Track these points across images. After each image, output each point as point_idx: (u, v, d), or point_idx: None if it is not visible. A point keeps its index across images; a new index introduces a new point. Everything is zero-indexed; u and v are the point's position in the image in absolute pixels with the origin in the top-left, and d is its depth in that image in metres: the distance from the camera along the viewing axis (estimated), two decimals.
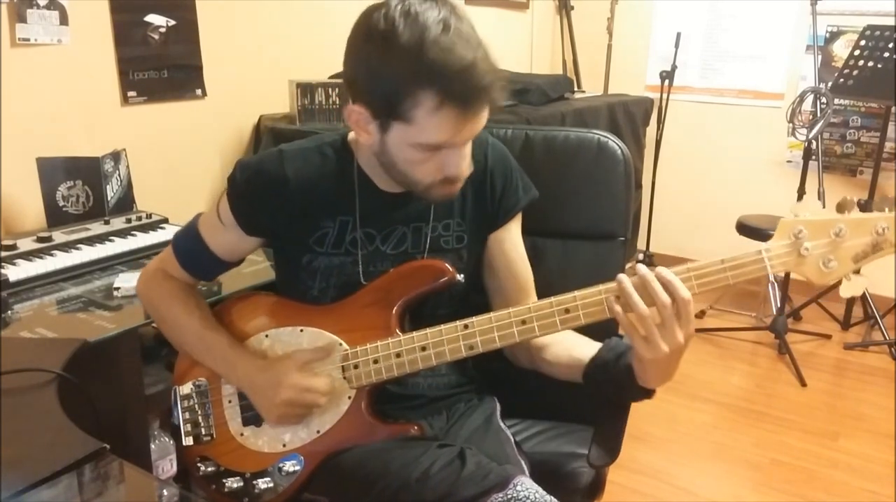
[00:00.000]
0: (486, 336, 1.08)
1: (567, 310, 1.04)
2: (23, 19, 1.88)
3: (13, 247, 1.69)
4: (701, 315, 3.53)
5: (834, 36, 3.58)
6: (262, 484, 1.17)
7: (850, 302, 3.50)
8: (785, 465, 2.44)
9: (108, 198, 1.99)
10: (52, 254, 1.70)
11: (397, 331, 1.15)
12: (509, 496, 1.00)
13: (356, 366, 1.15)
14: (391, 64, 0.99)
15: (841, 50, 3.53)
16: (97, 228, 1.86)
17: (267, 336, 1.22)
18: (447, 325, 1.09)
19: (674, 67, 3.70)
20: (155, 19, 2.20)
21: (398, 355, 1.12)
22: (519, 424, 1.39)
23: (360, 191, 1.19)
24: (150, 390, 1.57)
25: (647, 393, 1.11)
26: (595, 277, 1.05)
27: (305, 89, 2.45)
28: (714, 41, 3.89)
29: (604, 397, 1.17)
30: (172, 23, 2.24)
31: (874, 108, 3.51)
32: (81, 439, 0.92)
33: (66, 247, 1.75)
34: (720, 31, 3.86)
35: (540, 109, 2.93)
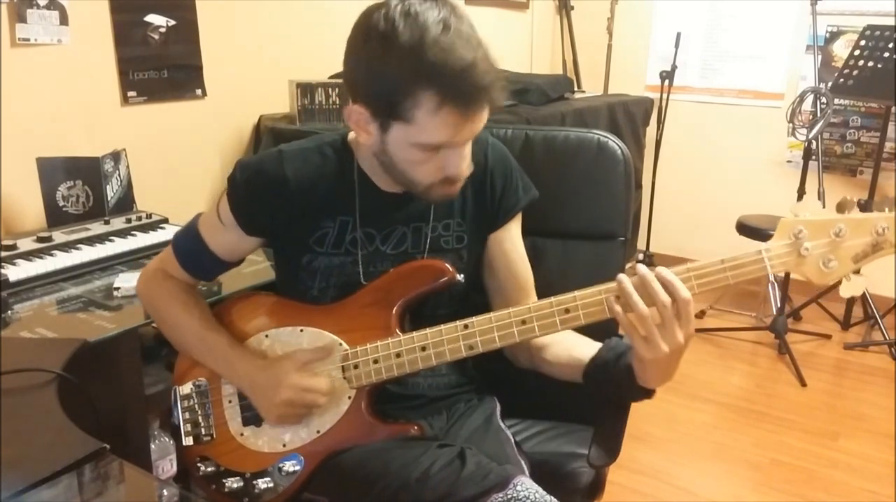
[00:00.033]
0: (486, 336, 1.08)
1: (567, 310, 1.04)
2: (23, 19, 1.88)
3: (13, 247, 1.69)
4: (701, 315, 3.53)
5: (834, 36, 3.58)
6: (263, 484, 1.17)
7: (850, 302, 3.50)
8: (785, 465, 2.44)
9: (108, 198, 1.99)
10: (52, 254, 1.70)
11: (397, 331, 1.15)
12: (509, 496, 1.00)
13: (356, 366, 1.15)
14: (391, 64, 0.99)
15: (841, 50, 3.53)
16: (97, 228, 1.86)
17: (267, 336, 1.22)
18: (447, 325, 1.09)
19: (674, 67, 3.70)
20: (155, 19, 2.20)
21: (398, 355, 1.12)
22: (519, 424, 1.39)
23: (360, 191, 1.19)
24: (150, 390, 1.57)
25: (647, 393, 1.11)
26: (595, 277, 1.05)
27: (305, 89, 2.45)
28: (714, 41, 3.89)
29: (604, 397, 1.17)
30: (172, 23, 2.24)
31: (874, 108, 3.51)
32: (81, 439, 0.92)
33: (66, 247, 1.75)
34: (720, 31, 3.86)
35: (540, 109, 2.93)
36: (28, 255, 1.68)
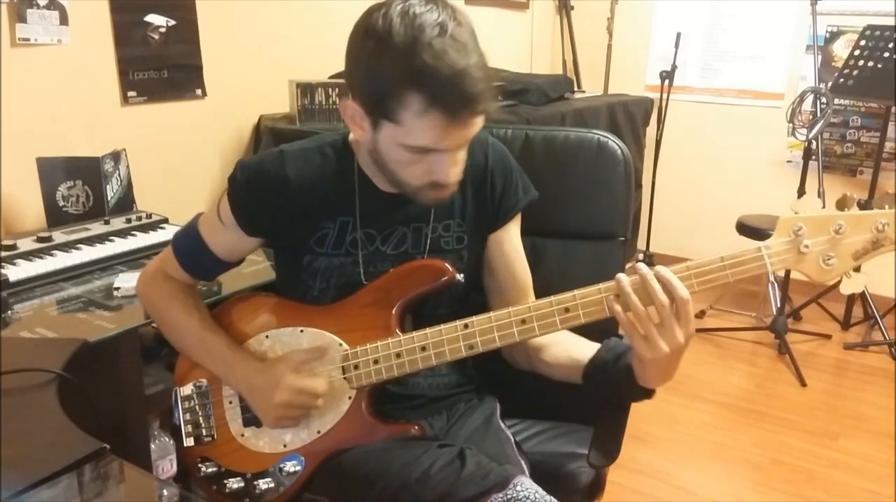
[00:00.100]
0: (485, 336, 1.08)
1: (567, 310, 1.04)
2: (23, 19, 1.88)
3: (13, 247, 1.69)
4: (701, 315, 3.53)
5: (834, 36, 3.58)
6: (263, 484, 1.17)
7: (850, 302, 3.50)
8: (785, 465, 2.44)
9: (108, 198, 1.99)
10: (52, 254, 1.70)
11: (397, 331, 1.15)
12: (509, 496, 1.00)
13: (356, 367, 1.15)
14: (383, 63, 0.99)
15: (841, 50, 3.53)
16: (97, 228, 1.86)
17: (267, 336, 1.22)
18: (447, 325, 1.09)
19: (674, 67, 3.70)
20: (155, 19, 2.20)
21: (398, 355, 1.12)
22: (519, 424, 1.39)
23: (361, 192, 1.19)
24: (150, 390, 1.57)
25: (648, 394, 1.11)
26: (595, 277, 1.05)
27: (305, 89, 2.45)
28: (714, 41, 3.89)
29: (603, 397, 1.17)
30: (172, 23, 2.24)
31: (874, 108, 3.51)
32: (81, 439, 0.92)
33: (66, 247, 1.75)
34: (720, 31, 3.86)
35: (540, 109, 2.93)
36: (28, 255, 1.68)
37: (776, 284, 3.40)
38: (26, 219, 1.97)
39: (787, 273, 3.14)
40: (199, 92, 2.37)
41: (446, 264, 1.16)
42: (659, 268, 0.99)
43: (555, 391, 1.24)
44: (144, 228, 1.91)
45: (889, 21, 3.21)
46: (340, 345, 1.17)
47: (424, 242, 1.21)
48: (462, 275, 1.18)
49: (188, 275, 1.26)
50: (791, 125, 3.32)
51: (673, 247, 3.91)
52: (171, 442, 1.75)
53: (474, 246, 1.26)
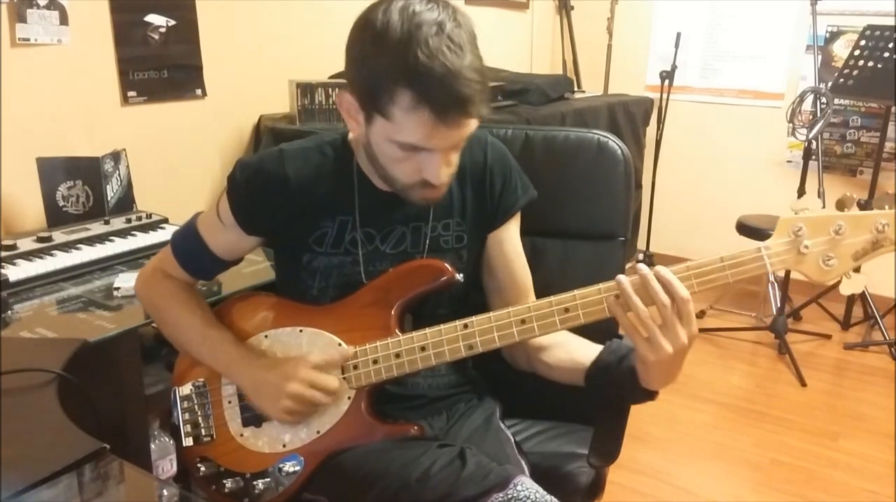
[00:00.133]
0: (485, 336, 1.08)
1: (567, 310, 1.04)
2: (23, 19, 1.88)
3: (13, 247, 1.69)
4: (701, 315, 3.53)
5: (834, 36, 3.58)
6: (263, 484, 1.17)
7: (850, 302, 3.50)
8: (785, 465, 2.44)
9: (108, 198, 1.99)
10: (52, 254, 1.70)
11: (397, 331, 1.15)
12: (509, 496, 1.00)
13: (356, 367, 1.15)
14: (377, 58, 0.99)
15: (841, 50, 3.53)
16: (97, 228, 1.86)
17: (266, 336, 1.22)
18: (447, 325, 1.09)
19: (674, 67, 3.70)
20: (155, 19, 2.20)
21: (398, 355, 1.12)
22: (519, 424, 1.39)
23: (360, 191, 1.19)
24: (150, 390, 1.57)
25: (650, 395, 1.11)
26: (595, 277, 1.05)
27: (305, 89, 2.45)
28: (714, 41, 3.89)
29: (606, 400, 1.17)
30: (172, 23, 2.24)
31: (874, 108, 3.51)
32: (81, 439, 0.92)
33: (66, 247, 1.75)
34: (720, 31, 3.86)
35: (540, 109, 2.93)
36: (28, 255, 1.68)
37: (776, 284, 3.40)
38: (26, 219, 1.97)
39: (787, 273, 3.14)
40: (199, 92, 2.37)
41: (446, 264, 1.16)
42: (658, 268, 0.99)
43: (555, 391, 1.24)
44: (144, 228, 1.91)
45: (889, 21, 3.21)
46: (339, 344, 1.17)
47: (424, 241, 1.21)
48: (461, 275, 1.18)
49: (187, 275, 1.26)
50: (791, 125, 3.31)
51: (673, 248, 3.91)
52: (171, 442, 1.75)
53: (474, 245, 1.26)
